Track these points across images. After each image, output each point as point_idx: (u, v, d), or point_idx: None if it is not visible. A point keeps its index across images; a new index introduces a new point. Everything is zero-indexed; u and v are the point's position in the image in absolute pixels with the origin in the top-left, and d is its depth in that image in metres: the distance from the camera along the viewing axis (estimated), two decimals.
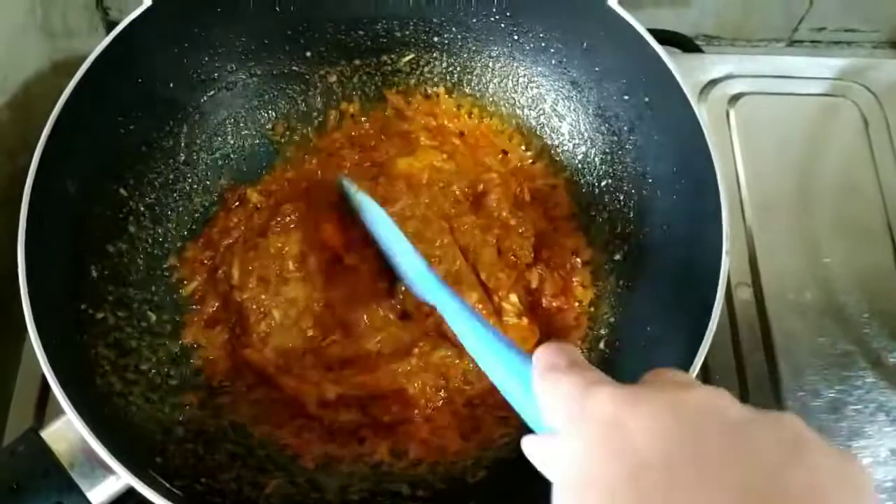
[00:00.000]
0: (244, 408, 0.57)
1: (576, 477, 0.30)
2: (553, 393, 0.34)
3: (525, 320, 0.60)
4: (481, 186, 0.65)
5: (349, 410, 0.57)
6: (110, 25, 0.78)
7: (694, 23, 0.88)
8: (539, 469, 0.34)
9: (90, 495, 0.45)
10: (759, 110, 0.77)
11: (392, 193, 0.62)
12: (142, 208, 0.60)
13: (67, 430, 0.45)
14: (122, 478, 0.44)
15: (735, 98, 0.78)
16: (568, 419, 0.32)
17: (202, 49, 0.62)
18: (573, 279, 0.62)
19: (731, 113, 0.77)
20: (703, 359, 0.47)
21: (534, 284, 0.62)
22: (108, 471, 0.45)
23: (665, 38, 0.55)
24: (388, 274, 0.60)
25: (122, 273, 0.58)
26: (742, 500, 0.26)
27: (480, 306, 0.60)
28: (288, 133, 0.68)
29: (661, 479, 0.27)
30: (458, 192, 0.64)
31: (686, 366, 0.47)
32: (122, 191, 0.59)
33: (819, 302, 0.68)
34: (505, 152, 0.68)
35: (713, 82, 0.78)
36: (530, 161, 0.68)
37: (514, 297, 0.61)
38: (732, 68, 0.79)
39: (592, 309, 0.62)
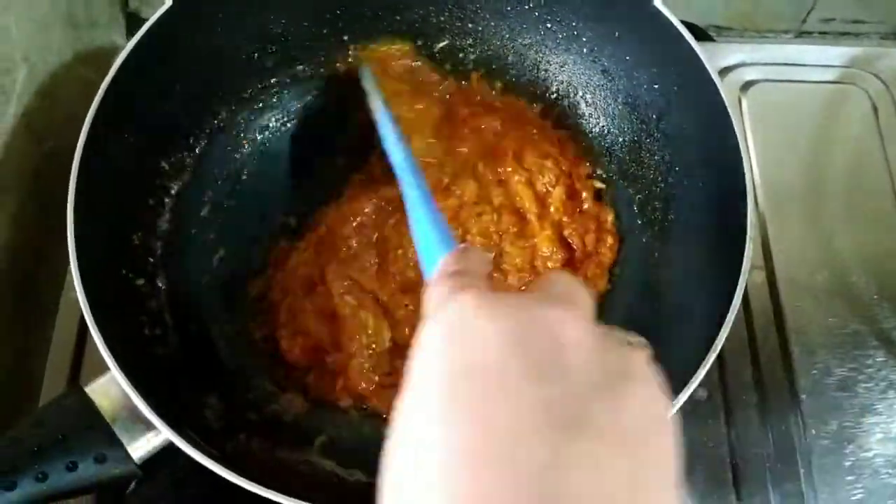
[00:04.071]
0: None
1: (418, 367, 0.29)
2: (432, 292, 0.33)
3: None
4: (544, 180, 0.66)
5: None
6: (131, 17, 0.81)
7: (704, 14, 0.89)
8: None
9: (130, 449, 0.47)
10: (770, 97, 0.79)
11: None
12: (182, 183, 0.63)
13: (110, 387, 0.47)
14: (161, 433, 0.46)
15: (747, 85, 0.79)
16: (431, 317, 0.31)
17: (242, 30, 0.64)
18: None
19: (744, 100, 0.78)
20: (723, 340, 0.49)
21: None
22: (148, 427, 0.47)
23: None
24: None
25: (159, 244, 0.60)
26: (540, 414, 0.26)
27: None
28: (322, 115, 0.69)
29: (475, 385, 0.27)
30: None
31: (707, 346, 0.49)
32: (163, 164, 0.61)
33: (830, 284, 0.69)
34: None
35: (725, 70, 0.80)
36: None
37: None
38: (744, 56, 0.81)
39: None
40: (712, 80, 0.55)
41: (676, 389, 0.47)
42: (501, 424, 0.26)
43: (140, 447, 0.47)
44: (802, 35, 0.93)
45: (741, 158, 0.53)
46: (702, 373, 0.48)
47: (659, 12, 0.58)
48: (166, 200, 0.61)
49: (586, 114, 0.68)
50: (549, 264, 0.62)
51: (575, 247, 0.64)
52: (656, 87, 0.62)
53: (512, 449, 0.25)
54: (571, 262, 0.63)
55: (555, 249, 0.63)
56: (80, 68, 0.71)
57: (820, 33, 0.93)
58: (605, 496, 0.25)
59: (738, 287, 0.50)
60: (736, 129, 0.54)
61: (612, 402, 0.27)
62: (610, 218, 0.65)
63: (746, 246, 0.51)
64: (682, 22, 0.81)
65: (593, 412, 0.26)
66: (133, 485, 0.57)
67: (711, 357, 0.48)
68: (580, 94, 0.68)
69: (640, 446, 0.27)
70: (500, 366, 0.27)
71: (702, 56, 0.56)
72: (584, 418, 0.26)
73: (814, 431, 0.63)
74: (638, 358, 0.30)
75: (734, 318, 0.65)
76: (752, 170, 0.74)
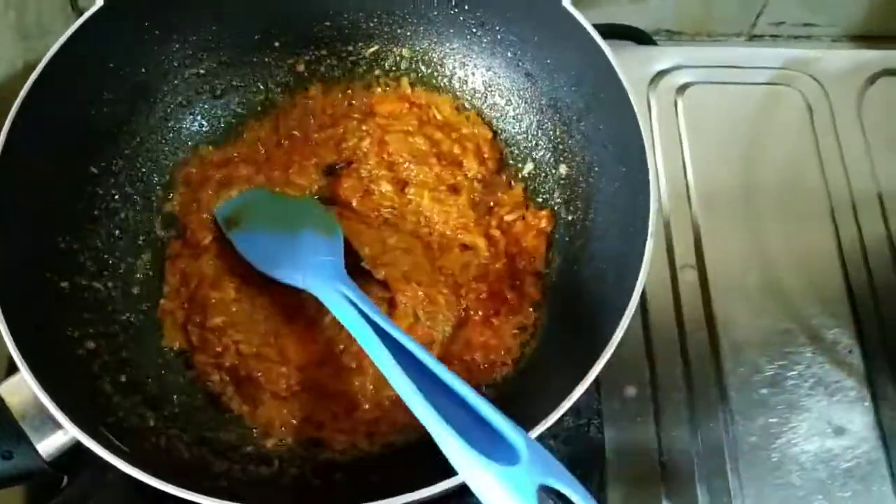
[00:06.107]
0: None
1: None
2: None
3: None
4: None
5: None
6: None
7: (656, 18, 0.89)
8: None
9: (39, 447, 0.48)
10: (706, 99, 0.79)
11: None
12: (111, 187, 0.63)
13: (21, 385, 0.48)
14: (69, 432, 0.47)
15: (683, 88, 0.80)
16: None
17: (173, 36, 0.65)
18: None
19: (679, 102, 0.79)
20: (620, 335, 0.49)
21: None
22: (57, 425, 0.48)
23: (620, 31, 0.57)
24: None
25: (87, 248, 0.61)
26: None
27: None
28: (255, 117, 0.70)
29: None
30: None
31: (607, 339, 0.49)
32: (92, 168, 0.62)
33: (761, 283, 0.70)
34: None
35: (662, 73, 0.80)
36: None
37: None
38: (681, 59, 0.81)
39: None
40: (621, 80, 0.56)
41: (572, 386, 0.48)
42: None
43: (49, 445, 0.48)
44: (753, 39, 0.94)
45: (646, 159, 0.54)
46: (595, 370, 0.48)
47: (571, 15, 0.59)
48: (96, 204, 0.62)
49: (512, 116, 0.69)
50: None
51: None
52: (575, 89, 0.63)
53: None
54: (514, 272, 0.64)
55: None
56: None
57: (771, 37, 0.93)
58: None
59: (636, 287, 0.50)
60: (645, 131, 0.54)
61: None
62: (544, 223, 0.66)
63: (647, 244, 0.51)
64: (625, 26, 0.82)
65: None
66: (64, 483, 0.59)
67: (608, 353, 0.49)
68: (505, 96, 0.69)
69: None
70: None
71: (611, 57, 0.57)
72: None
73: (741, 428, 0.64)
74: None
75: (663, 316, 0.66)
76: (686, 170, 0.75)
